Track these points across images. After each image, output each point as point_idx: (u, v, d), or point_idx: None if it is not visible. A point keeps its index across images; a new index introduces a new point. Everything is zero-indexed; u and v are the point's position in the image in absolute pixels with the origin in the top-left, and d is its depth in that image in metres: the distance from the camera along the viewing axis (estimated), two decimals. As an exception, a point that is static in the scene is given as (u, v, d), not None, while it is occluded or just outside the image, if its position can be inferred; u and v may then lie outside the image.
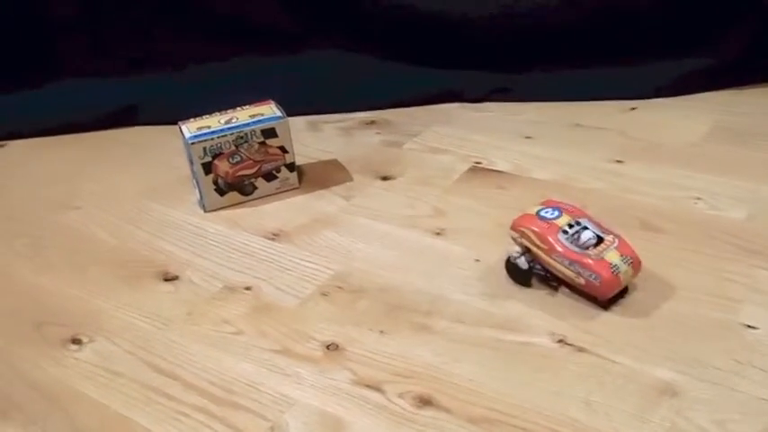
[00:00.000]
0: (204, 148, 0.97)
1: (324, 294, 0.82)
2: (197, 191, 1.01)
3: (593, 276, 0.73)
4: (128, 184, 1.11)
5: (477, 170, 1.06)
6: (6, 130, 1.30)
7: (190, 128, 0.99)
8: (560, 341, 0.72)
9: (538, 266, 0.78)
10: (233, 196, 1.02)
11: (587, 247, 0.75)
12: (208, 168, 0.99)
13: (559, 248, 0.75)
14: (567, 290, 0.78)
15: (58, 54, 1.33)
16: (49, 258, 0.94)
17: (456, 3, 1.25)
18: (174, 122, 1.03)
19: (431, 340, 0.74)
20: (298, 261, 0.89)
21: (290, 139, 1.02)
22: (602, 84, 1.23)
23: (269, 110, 1.03)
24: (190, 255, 0.92)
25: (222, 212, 1.01)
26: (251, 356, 0.74)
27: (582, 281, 0.74)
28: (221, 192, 1.01)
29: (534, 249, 0.77)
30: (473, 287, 0.81)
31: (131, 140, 1.26)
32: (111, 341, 0.78)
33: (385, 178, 1.06)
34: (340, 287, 0.83)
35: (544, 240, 0.75)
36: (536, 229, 0.76)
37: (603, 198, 0.95)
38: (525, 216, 0.79)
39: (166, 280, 0.88)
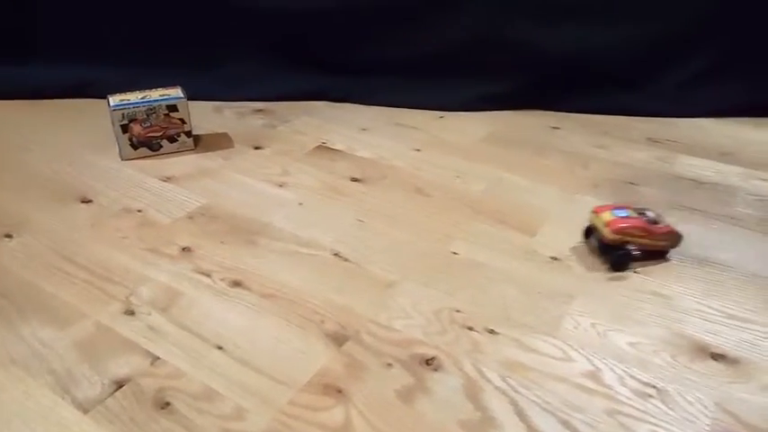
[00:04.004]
0: (123, 114, 1.09)
1: (190, 218, 0.96)
2: (117, 145, 1.13)
3: (674, 235, 0.85)
4: (72, 136, 1.21)
5: (321, 148, 1.21)
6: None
7: (114, 99, 1.11)
8: (336, 254, 0.88)
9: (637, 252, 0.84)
10: (143, 151, 1.14)
11: (656, 222, 0.85)
12: (125, 129, 1.10)
13: (656, 230, 0.84)
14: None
15: (39, 41, 1.40)
16: (3, 180, 1.04)
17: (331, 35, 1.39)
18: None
19: (253, 250, 0.88)
20: (178, 196, 1.02)
21: (188, 114, 1.15)
22: (423, 96, 1.39)
23: (175, 92, 1.15)
24: (104, 187, 1.04)
25: (135, 162, 1.13)
26: (129, 252, 0.87)
27: (669, 242, 0.86)
28: (135, 147, 1.13)
29: (636, 239, 0.83)
30: (292, 220, 0.96)
31: (82, 107, 1.35)
32: (34, 237, 0.90)
33: (257, 148, 1.20)
34: (202, 214, 0.97)
35: (645, 230, 0.83)
36: (637, 225, 0.83)
37: (399, 172, 1.12)
38: (615, 220, 0.83)
39: (83, 202, 0.99)
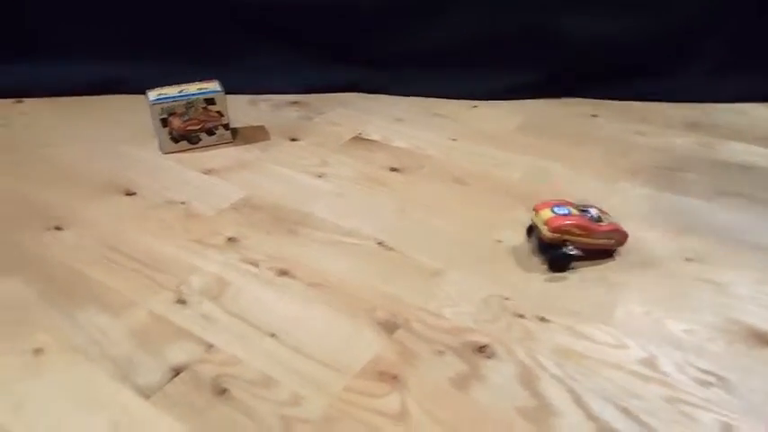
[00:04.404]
0: (162, 108, 1.10)
1: (234, 209, 0.96)
2: (157, 138, 1.14)
3: (618, 234, 0.83)
4: (110, 131, 1.22)
5: (357, 139, 1.21)
6: (25, 90, 1.39)
7: (153, 94, 1.12)
8: (380, 243, 0.88)
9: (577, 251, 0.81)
10: (183, 144, 1.15)
11: (599, 220, 0.82)
12: (164, 122, 1.11)
13: (597, 229, 0.81)
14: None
15: (75, 38, 1.42)
16: (45, 179, 1.05)
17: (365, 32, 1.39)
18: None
19: (297, 239, 0.89)
20: (220, 188, 1.02)
21: (226, 107, 1.15)
22: (455, 86, 1.38)
23: (212, 85, 1.15)
24: (146, 180, 1.05)
25: (175, 155, 1.13)
26: (176, 243, 0.88)
27: (613, 241, 0.83)
28: (175, 140, 1.14)
29: (576, 238, 0.80)
30: (333, 210, 0.96)
31: (116, 103, 1.36)
32: (83, 229, 0.91)
33: (293, 140, 1.20)
34: (245, 204, 0.97)
35: (585, 228, 0.80)
36: (577, 223, 0.80)
37: (435, 161, 1.11)
38: (554, 218, 0.79)
39: (127, 195, 1.00)
